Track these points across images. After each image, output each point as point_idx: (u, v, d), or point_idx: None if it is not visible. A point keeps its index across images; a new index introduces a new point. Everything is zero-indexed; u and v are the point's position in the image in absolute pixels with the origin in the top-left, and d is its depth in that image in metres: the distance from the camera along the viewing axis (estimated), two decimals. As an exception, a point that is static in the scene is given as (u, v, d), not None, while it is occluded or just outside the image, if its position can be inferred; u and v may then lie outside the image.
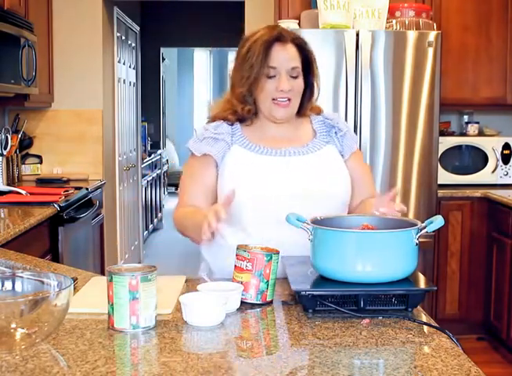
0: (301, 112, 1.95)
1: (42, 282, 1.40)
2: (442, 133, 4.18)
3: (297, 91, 1.87)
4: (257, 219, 1.83)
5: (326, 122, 1.98)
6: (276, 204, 1.80)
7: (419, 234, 1.54)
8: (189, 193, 1.91)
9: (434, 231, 1.55)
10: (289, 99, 1.86)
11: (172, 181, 10.35)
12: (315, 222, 1.61)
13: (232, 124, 1.92)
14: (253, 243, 1.63)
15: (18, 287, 1.40)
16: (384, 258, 1.50)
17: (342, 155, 1.96)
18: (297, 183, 1.85)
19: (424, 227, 1.56)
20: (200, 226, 1.62)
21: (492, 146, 4.22)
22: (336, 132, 1.96)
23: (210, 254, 1.94)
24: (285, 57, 1.84)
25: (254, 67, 1.83)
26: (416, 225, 1.56)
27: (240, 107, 1.89)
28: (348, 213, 1.96)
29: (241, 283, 1.56)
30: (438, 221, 1.56)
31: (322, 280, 1.54)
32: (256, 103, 1.89)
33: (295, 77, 1.86)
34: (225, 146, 1.89)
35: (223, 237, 1.71)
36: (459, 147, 4.26)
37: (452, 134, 4.44)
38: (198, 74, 11.93)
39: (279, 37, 1.85)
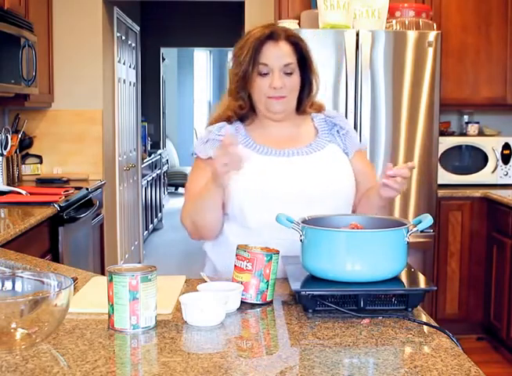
0: (300, 109, 1.94)
1: (42, 282, 1.40)
2: (442, 133, 4.18)
3: (290, 88, 1.86)
4: (262, 219, 1.82)
5: (328, 120, 1.97)
6: (280, 204, 1.79)
7: (409, 233, 1.54)
8: (196, 192, 1.88)
9: (424, 230, 1.55)
10: (283, 97, 1.85)
11: (172, 181, 10.35)
12: (304, 221, 1.60)
13: (231, 123, 1.92)
14: (257, 243, 1.62)
15: (18, 287, 1.40)
16: (375, 257, 1.50)
17: (346, 153, 1.95)
18: (300, 183, 1.85)
19: (414, 226, 1.56)
20: (208, 187, 1.74)
21: (492, 146, 4.22)
22: (338, 131, 1.95)
23: (215, 254, 1.94)
24: (277, 54, 1.83)
25: (242, 64, 1.83)
26: (404, 224, 1.56)
27: (232, 103, 1.90)
28: (353, 209, 1.95)
29: (241, 283, 1.56)
30: (427, 220, 1.56)
31: (322, 280, 1.54)
32: (252, 102, 1.89)
33: (289, 74, 1.85)
34: None
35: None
36: (459, 147, 4.25)
37: (452, 134, 4.44)
38: (198, 74, 11.92)
39: (272, 34, 1.84)
